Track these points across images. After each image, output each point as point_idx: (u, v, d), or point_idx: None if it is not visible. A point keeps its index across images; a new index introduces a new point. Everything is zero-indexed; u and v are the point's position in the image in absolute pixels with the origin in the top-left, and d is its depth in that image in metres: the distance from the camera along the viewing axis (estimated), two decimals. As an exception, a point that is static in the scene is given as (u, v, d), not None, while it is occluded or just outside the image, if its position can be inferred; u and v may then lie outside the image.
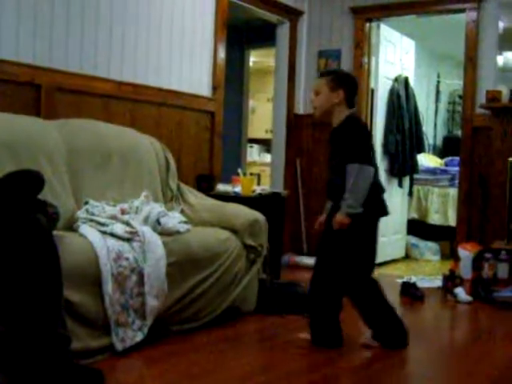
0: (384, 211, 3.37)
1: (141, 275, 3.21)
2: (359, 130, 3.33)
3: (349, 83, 3.38)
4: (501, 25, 5.57)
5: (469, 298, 4.65)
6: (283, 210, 5.23)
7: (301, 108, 6.55)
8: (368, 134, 3.53)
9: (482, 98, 5.53)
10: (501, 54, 5.61)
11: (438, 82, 9.73)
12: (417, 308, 4.64)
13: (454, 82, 9.45)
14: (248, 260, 3.98)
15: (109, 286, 3.04)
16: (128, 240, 3.25)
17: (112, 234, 3.23)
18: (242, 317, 3.92)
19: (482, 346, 3.69)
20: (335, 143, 3.35)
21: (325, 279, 3.32)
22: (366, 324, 3.43)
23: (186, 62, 5.15)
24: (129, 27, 4.61)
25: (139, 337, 3.18)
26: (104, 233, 3.23)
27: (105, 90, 4.42)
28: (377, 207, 3.34)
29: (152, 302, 3.23)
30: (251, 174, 7.94)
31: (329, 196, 3.44)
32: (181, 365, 3.02)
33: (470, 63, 5.73)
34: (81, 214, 3.48)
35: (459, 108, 8.94)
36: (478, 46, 5.70)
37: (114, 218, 3.42)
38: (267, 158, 9.24)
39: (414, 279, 5.25)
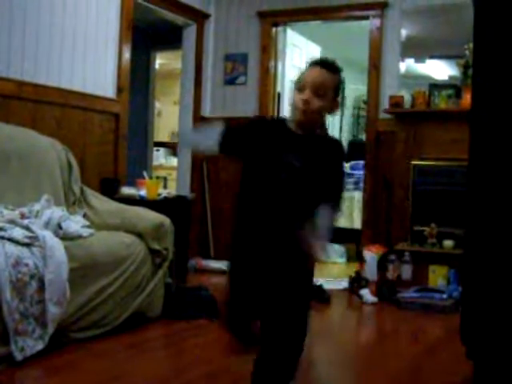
0: None
1: (41, 281, 3.09)
2: None
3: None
4: (403, 32, 5.72)
5: (374, 299, 4.72)
6: (189, 214, 5.18)
7: (207, 111, 6.50)
8: None
9: (385, 103, 5.64)
10: (403, 60, 5.76)
11: (343, 87, 9.87)
12: (323, 310, 4.68)
13: (358, 88, 9.63)
14: (154, 264, 3.91)
15: (7, 294, 2.92)
16: (28, 245, 3.13)
17: (10, 239, 3.10)
18: (148, 322, 3.85)
19: (386, 345, 3.75)
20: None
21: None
22: None
23: (90, 62, 5.01)
24: (30, 24, 4.43)
25: (40, 346, 3.06)
26: (2, 238, 3.09)
27: (4, 89, 4.24)
28: None
29: (53, 310, 3.12)
30: (157, 178, 7.86)
31: None
32: (84, 373, 2.93)
33: (374, 69, 5.84)
34: (-23, 218, 3.33)
35: (364, 113, 9.11)
36: (381, 52, 5.82)
37: (12, 222, 3.29)
38: (174, 161, 9.16)
39: (320, 281, 5.30)
